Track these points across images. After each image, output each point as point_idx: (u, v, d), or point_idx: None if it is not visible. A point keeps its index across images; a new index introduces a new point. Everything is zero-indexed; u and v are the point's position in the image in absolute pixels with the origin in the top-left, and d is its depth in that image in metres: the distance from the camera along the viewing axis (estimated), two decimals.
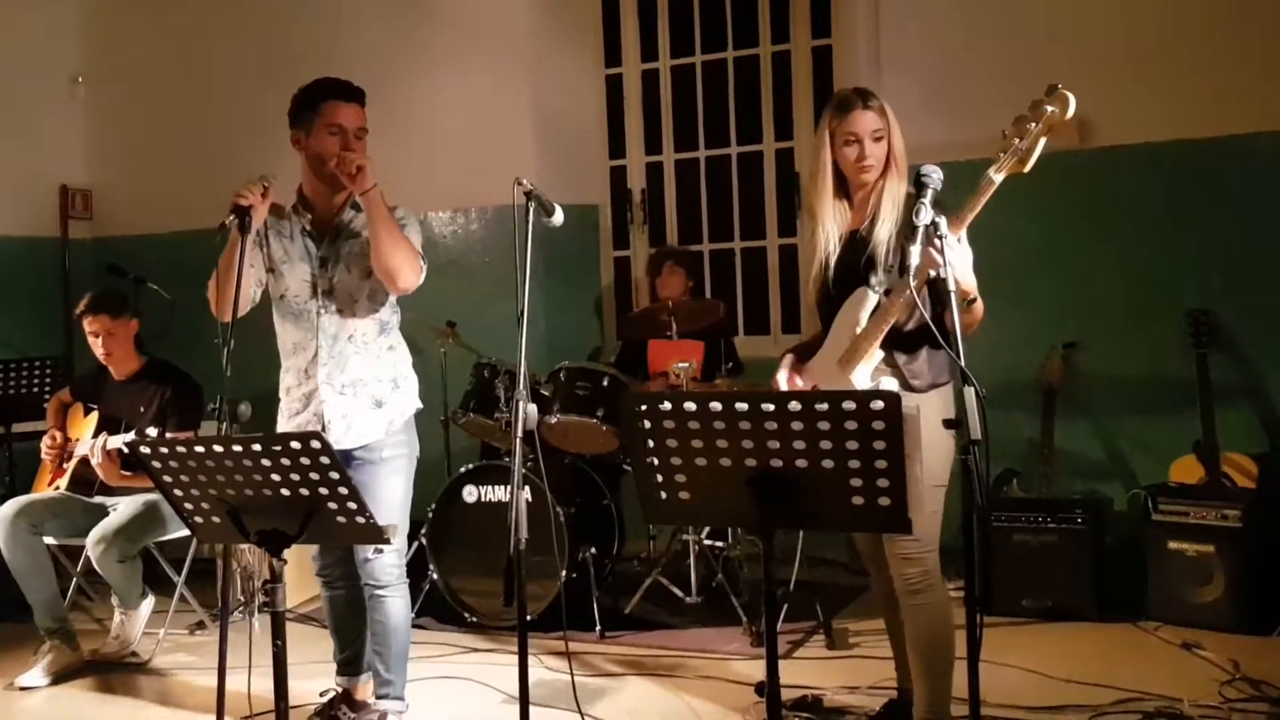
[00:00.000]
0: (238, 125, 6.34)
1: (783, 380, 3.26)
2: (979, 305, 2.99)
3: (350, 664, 3.76)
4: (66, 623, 4.49)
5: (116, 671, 4.48)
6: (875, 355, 3.06)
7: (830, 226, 3.22)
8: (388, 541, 2.83)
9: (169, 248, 6.50)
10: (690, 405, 2.29)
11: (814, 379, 3.22)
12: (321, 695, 3.77)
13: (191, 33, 6.70)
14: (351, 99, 3.45)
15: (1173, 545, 4.45)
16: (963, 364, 2.57)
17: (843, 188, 3.23)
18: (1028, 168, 2.76)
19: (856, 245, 3.17)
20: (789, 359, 3.33)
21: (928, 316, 2.88)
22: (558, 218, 3.10)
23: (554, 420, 4.74)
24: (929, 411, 2.95)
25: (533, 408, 2.97)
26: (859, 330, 3.08)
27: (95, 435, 4.51)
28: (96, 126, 6.93)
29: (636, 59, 6.37)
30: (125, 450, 4.24)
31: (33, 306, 6.55)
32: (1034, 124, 2.74)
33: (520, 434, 2.95)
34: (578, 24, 6.33)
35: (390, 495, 3.47)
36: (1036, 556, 4.61)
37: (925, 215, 2.73)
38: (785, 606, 4.47)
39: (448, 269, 6.15)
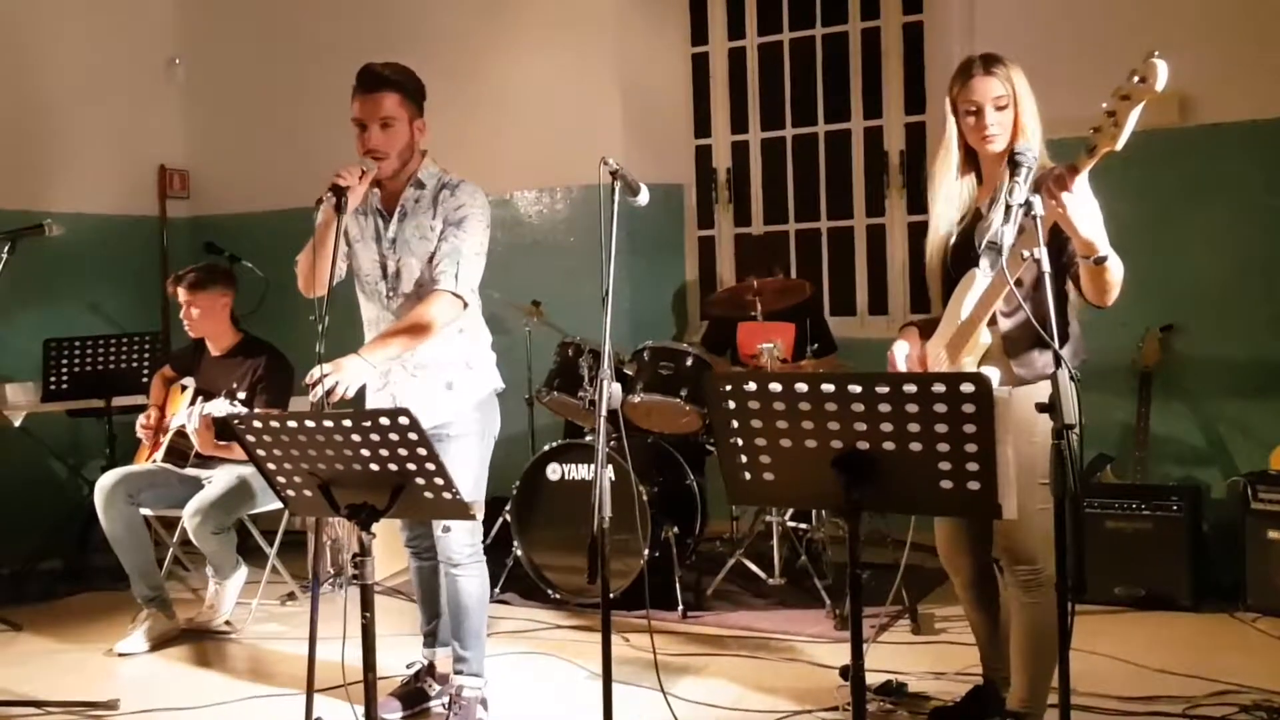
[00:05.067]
0: (330, 105, 6.34)
1: (899, 357, 3.10)
2: (1114, 264, 2.73)
3: (436, 635, 3.80)
4: (162, 591, 4.61)
5: (210, 640, 4.59)
6: (982, 343, 2.91)
7: (943, 203, 3.08)
8: (473, 518, 2.85)
9: (263, 226, 6.62)
10: (775, 386, 2.26)
11: (928, 362, 3.09)
12: (408, 667, 3.83)
13: (285, 14, 6.81)
14: (373, 89, 3.34)
15: (1273, 535, 4.33)
16: (1057, 346, 2.49)
17: (974, 161, 3.10)
18: (1119, 145, 2.62)
19: (976, 223, 3.03)
20: (911, 336, 3.16)
21: (1022, 301, 2.73)
22: (643, 197, 3.08)
23: (637, 399, 4.75)
24: (1028, 402, 2.83)
25: (616, 387, 2.96)
26: (964, 316, 2.93)
27: (190, 406, 4.63)
28: (193, 108, 7.08)
29: (724, 36, 6.32)
30: (219, 419, 4.33)
31: (132, 283, 6.72)
32: (1125, 98, 2.58)
33: (604, 413, 2.95)
34: (664, 1, 6.30)
35: (458, 475, 3.41)
36: (1130, 544, 4.52)
37: (1019, 195, 2.64)
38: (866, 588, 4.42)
39: (533, 248, 6.19)
